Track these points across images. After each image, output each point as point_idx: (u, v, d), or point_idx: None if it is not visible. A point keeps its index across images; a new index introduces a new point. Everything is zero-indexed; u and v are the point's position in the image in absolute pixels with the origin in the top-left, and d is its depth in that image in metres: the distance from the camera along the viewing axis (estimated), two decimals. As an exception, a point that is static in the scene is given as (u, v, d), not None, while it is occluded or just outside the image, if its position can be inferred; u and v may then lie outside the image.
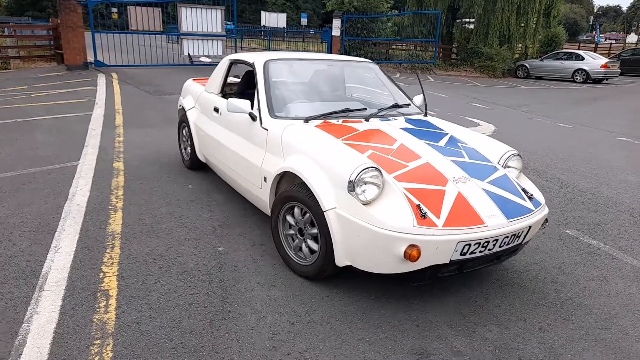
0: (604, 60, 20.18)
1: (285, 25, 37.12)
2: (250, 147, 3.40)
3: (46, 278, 2.80)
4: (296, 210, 2.88)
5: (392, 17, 21.95)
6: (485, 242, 2.48)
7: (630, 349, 2.42)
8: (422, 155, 2.89)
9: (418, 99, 4.02)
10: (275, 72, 3.63)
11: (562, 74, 20.72)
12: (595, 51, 25.90)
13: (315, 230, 2.75)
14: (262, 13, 36.07)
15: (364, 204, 2.44)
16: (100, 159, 5.23)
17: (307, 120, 3.22)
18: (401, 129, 3.28)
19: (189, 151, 4.92)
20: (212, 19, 15.02)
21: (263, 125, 3.27)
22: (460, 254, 2.45)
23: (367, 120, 3.39)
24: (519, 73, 21.94)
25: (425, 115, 3.82)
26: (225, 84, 4.26)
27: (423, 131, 3.32)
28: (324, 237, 2.64)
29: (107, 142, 5.97)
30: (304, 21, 47.40)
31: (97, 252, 3.15)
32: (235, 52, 17.27)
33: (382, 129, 3.23)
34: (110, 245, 3.25)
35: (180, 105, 5.05)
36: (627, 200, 4.78)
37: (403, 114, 3.67)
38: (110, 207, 3.92)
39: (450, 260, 2.44)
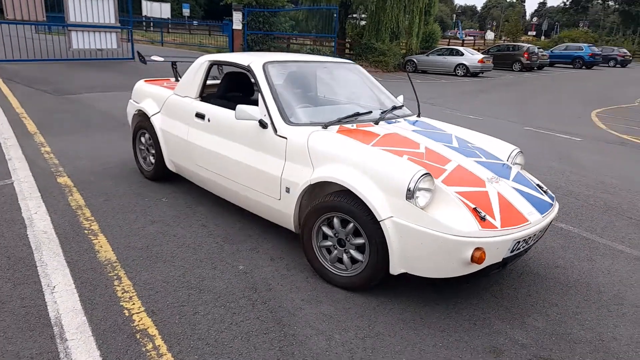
0: (480, 55, 22.37)
1: (169, 15, 35.19)
2: (262, 157, 3.21)
3: (61, 325, 2.37)
4: (335, 221, 2.79)
5: (290, 11, 21.97)
6: (529, 238, 2.66)
7: (645, 320, 2.78)
8: (450, 158, 2.98)
9: (400, 99, 4.11)
10: (276, 76, 3.45)
11: (445, 68, 22.56)
12: (462, 47, 28.45)
13: (360, 241, 2.70)
14: (144, 2, 33.71)
15: (423, 211, 2.46)
16: (37, 175, 4.52)
17: (326, 126, 3.12)
18: (413, 131, 3.34)
19: (151, 160, 4.48)
20: (103, 9, 13.69)
21: (279, 133, 3.10)
22: (510, 252, 2.59)
23: (376, 123, 3.39)
24: (407, 67, 23.42)
25: (419, 116, 3.93)
26: (204, 87, 3.94)
27: (432, 133, 3.42)
28: (375, 247, 2.60)
29: (33, 154, 5.18)
30: (186, 12, 45.37)
31: (103, 286, 2.74)
32: (132, 44, 15.97)
33: (399, 132, 3.25)
34: (115, 277, 2.85)
35: (136, 110, 4.55)
36: (563, 184, 5.41)
37: (400, 116, 3.73)
38: (85, 231, 3.43)
39: (502, 258, 2.57)
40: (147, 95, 4.47)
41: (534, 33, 67.80)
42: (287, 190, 3.03)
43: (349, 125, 3.24)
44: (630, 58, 35.19)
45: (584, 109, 12.38)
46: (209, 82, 4.17)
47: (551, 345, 2.47)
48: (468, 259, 2.41)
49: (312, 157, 2.90)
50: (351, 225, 2.72)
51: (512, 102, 13.30)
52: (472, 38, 59.58)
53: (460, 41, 43.43)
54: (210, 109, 3.67)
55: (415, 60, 23.40)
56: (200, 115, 3.76)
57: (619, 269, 3.40)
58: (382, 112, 3.59)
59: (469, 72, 21.86)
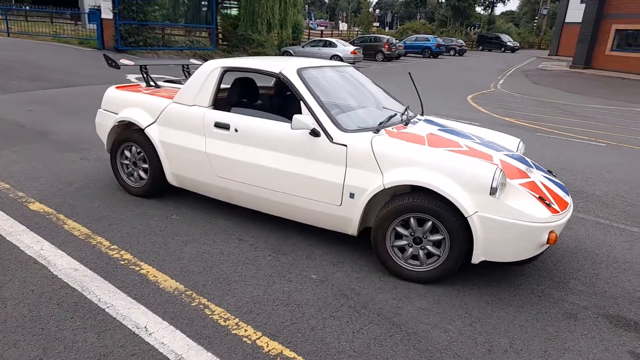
0: (352, 47, 23.69)
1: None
2: (316, 165, 3.22)
3: (193, 365, 2.20)
4: (412, 221, 2.98)
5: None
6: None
7: None
8: (490, 153, 3.36)
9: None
10: (312, 82, 3.45)
11: (321, 58, 23.42)
12: (333, 38, 29.82)
13: (438, 237, 2.94)
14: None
15: (506, 204, 2.80)
16: (-2, 203, 3.82)
17: (377, 130, 3.26)
18: (439, 130, 3.65)
19: (140, 175, 4.11)
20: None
21: (335, 141, 3.15)
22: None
23: (406, 125, 3.61)
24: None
25: (422, 114, 4.25)
26: (218, 95, 3.73)
27: (452, 130, 3.76)
28: (458, 241, 2.87)
29: (-34, 178, 4.32)
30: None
31: (199, 317, 2.56)
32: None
33: (433, 132, 3.53)
34: (202, 305, 2.67)
35: (116, 122, 4.09)
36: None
37: (412, 116, 4.00)
38: (122, 262, 3.08)
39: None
40: (132, 104, 4.06)
41: (377, 24, 73.45)
42: (352, 196, 3.12)
43: (390, 128, 3.42)
44: (466, 48, 40.34)
45: (459, 95, 14.05)
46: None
47: (609, 303, 3.01)
48: (545, 241, 2.82)
49: (380, 163, 3.03)
50: (430, 223, 2.94)
51: (396, 91, 14.43)
52: (323, 29, 62.19)
53: (319, 32, 45.22)
54: (238, 119, 3.52)
55: (291, 51, 23.84)
56: (221, 125, 3.58)
57: (608, 241, 4.16)
58: (401, 114, 3.82)
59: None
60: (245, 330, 2.49)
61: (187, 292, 2.79)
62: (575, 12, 37.60)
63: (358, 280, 3.07)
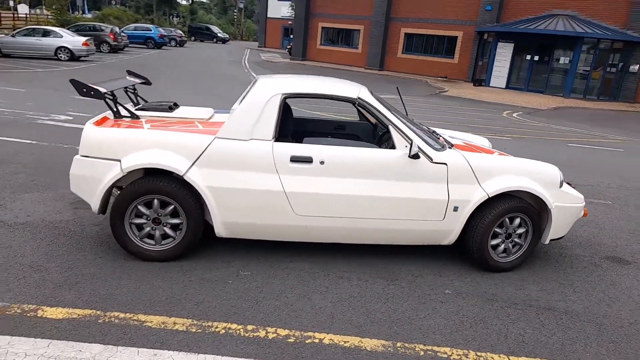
0: (83, 38, 20.66)
1: None
2: (421, 186, 3.32)
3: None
4: (507, 220, 3.49)
5: None
6: None
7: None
8: (494, 151, 4.09)
9: None
10: (385, 104, 3.43)
11: (43, 51, 19.63)
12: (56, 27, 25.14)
13: (523, 229, 3.56)
14: None
15: (568, 192, 3.63)
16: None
17: (451, 146, 3.57)
18: (456, 137, 4.20)
19: (168, 233, 3.23)
20: None
21: (436, 160, 3.33)
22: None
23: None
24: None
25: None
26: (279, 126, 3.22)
27: (462, 139, 4.33)
28: (539, 229, 3.57)
29: None
30: None
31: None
32: None
33: (467, 142, 4.05)
34: (429, 352, 2.56)
35: (123, 171, 3.01)
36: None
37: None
38: (289, 339, 2.53)
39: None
40: (145, 145, 3.06)
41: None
42: (455, 209, 3.40)
43: (452, 144, 3.76)
44: (186, 39, 40.20)
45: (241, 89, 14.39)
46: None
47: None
48: (582, 215, 3.79)
49: (478, 175, 3.40)
50: (518, 219, 3.52)
51: (179, 87, 13.72)
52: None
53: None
54: (321, 150, 3.21)
55: (-1, 42, 19.05)
56: (301, 159, 3.19)
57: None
58: (428, 129, 4.15)
59: (74, 56, 19.95)
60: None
61: (398, 345, 2.59)
62: (274, 9, 42.33)
63: (486, 285, 3.39)
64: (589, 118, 15.00)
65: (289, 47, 35.85)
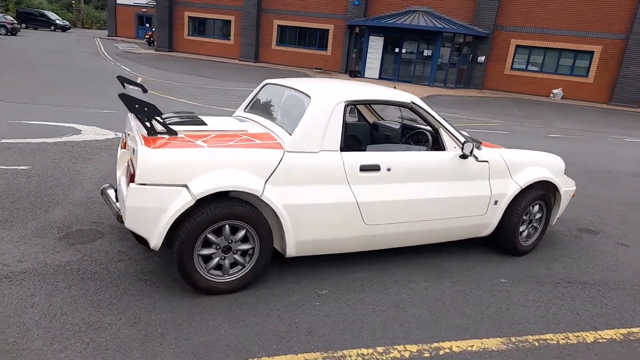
0: None
1: None
2: (470, 184, 3.48)
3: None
4: (530, 207, 3.84)
5: None
6: None
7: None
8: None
9: None
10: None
11: None
12: None
13: (538, 215, 3.96)
14: None
15: (568, 178, 4.12)
16: None
17: (479, 143, 3.78)
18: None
19: (238, 261, 2.89)
20: None
21: (480, 159, 3.51)
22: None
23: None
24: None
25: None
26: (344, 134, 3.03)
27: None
28: (550, 212, 4.01)
29: None
30: None
31: (562, 349, 2.69)
32: None
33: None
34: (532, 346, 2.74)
35: (196, 196, 2.58)
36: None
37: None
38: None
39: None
40: (212, 166, 2.66)
41: None
42: (496, 202, 3.64)
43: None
44: (18, 26, 34.64)
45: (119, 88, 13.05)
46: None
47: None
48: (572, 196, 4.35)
49: (511, 170, 3.68)
50: (538, 206, 3.90)
51: (44, 86, 11.97)
52: None
53: None
54: (386, 158, 3.16)
55: None
56: (369, 168, 3.09)
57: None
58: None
59: None
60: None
61: (513, 339, 2.71)
62: (124, -6, 38.88)
63: (514, 267, 3.68)
64: (457, 104, 16.85)
65: (147, 36, 33.31)
